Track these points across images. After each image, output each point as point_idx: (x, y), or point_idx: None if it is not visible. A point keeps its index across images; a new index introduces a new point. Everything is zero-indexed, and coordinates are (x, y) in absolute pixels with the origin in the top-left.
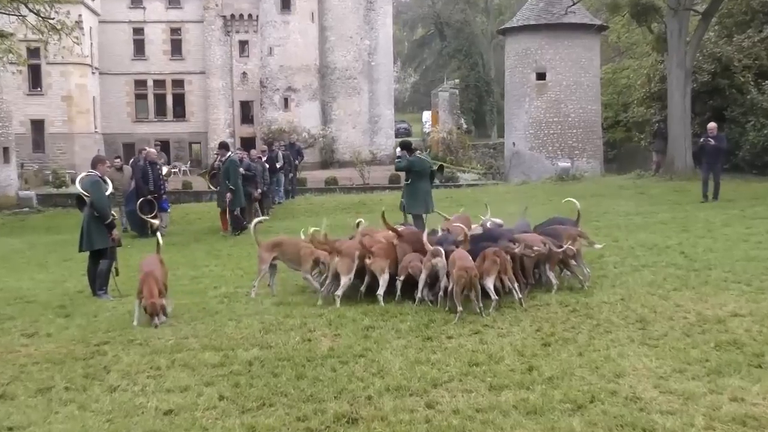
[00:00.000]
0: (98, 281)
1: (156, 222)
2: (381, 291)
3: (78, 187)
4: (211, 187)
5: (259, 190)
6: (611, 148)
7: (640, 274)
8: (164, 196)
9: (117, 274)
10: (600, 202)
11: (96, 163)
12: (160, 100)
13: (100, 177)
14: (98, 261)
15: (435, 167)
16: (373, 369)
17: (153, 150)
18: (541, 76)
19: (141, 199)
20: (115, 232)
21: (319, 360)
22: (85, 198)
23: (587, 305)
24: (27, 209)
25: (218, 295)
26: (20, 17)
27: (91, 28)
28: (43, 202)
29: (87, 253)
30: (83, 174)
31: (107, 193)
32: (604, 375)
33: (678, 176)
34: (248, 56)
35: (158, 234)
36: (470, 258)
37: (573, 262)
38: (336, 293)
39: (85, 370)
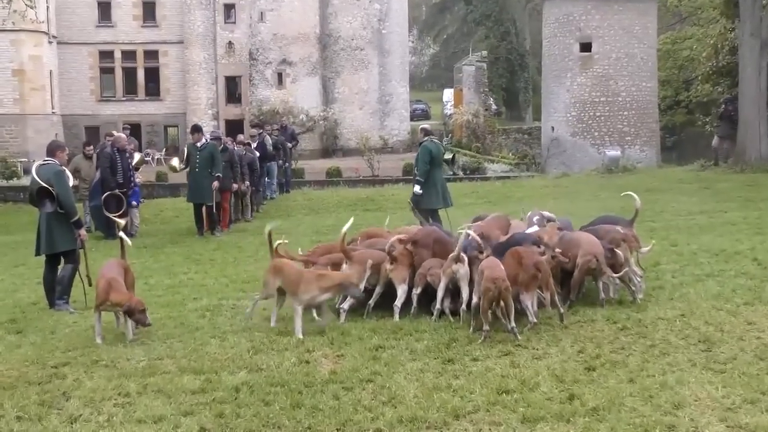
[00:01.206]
0: (59, 289)
1: (122, 222)
2: (399, 303)
3: (36, 178)
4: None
5: (247, 183)
6: (670, 133)
7: (704, 285)
8: (135, 189)
9: (90, 284)
10: (656, 199)
11: (55, 150)
12: (129, 75)
13: (61, 166)
14: (56, 266)
15: (449, 156)
16: (383, 397)
17: (122, 135)
18: (585, 47)
19: (107, 193)
20: (83, 232)
21: (318, 386)
22: (51, 191)
23: (640, 322)
24: None
25: (199, 307)
26: None
27: None
28: None
29: (43, 258)
30: (40, 162)
31: (72, 183)
32: (660, 406)
33: (750, 168)
34: (235, 23)
35: (122, 234)
36: (501, 267)
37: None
38: (341, 306)
39: (41, 397)
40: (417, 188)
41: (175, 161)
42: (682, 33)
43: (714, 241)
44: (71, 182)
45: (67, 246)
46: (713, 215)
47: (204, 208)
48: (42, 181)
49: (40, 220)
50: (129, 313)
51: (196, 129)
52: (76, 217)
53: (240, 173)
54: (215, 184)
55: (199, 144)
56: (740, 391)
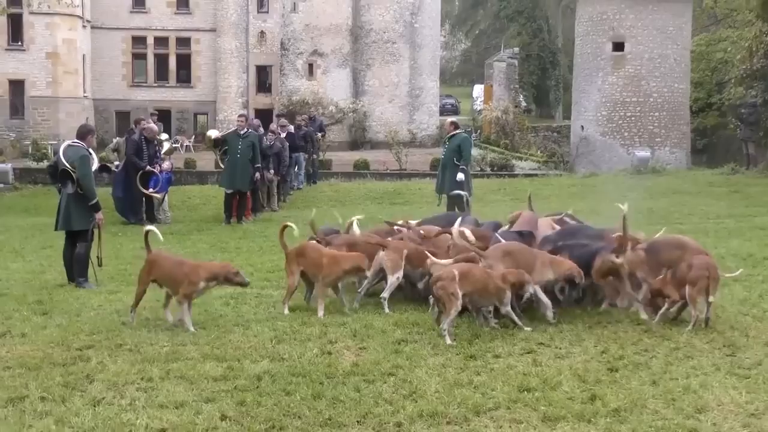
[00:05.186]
0: (77, 268)
1: (158, 196)
2: (386, 293)
3: (62, 160)
4: (221, 164)
5: (272, 171)
6: (701, 136)
7: (731, 290)
8: (165, 176)
9: (100, 265)
10: (685, 201)
11: (86, 134)
12: (161, 61)
13: (87, 150)
14: (75, 244)
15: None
16: (405, 390)
17: (153, 126)
18: (618, 47)
19: (141, 172)
20: (99, 215)
21: (340, 377)
22: (71, 173)
23: (664, 325)
24: (2, 185)
25: (223, 295)
26: None
27: None
28: (21, 178)
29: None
30: (68, 143)
31: (95, 167)
32: (683, 409)
33: None
34: (268, 12)
35: (151, 227)
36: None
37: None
38: (382, 295)
39: (65, 379)
40: (460, 175)
41: (212, 132)
42: (717, 35)
43: (742, 246)
44: (95, 165)
45: (82, 226)
46: (742, 219)
47: (237, 196)
48: (67, 162)
49: (61, 199)
50: (228, 279)
51: (242, 116)
52: (94, 200)
53: (267, 163)
54: (257, 175)
55: (242, 132)
56: (764, 397)
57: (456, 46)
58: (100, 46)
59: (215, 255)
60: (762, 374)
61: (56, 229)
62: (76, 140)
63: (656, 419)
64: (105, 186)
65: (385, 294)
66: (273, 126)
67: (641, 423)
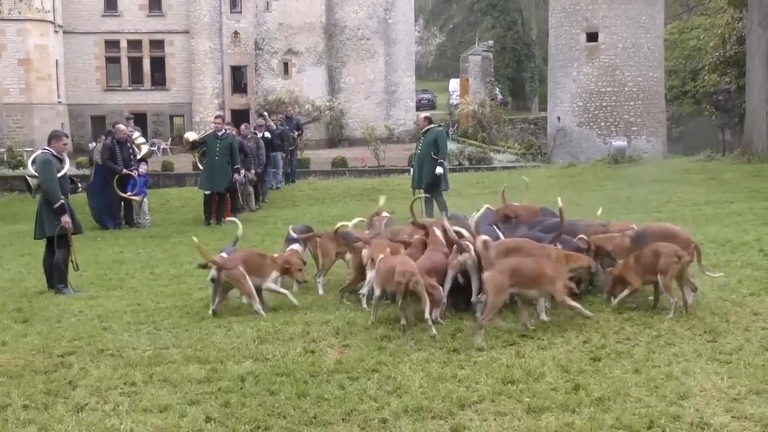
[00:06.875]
0: (55, 274)
1: (137, 199)
2: (364, 290)
3: (30, 168)
4: (200, 166)
5: (253, 172)
6: (676, 124)
7: (710, 276)
8: (141, 179)
9: (76, 269)
10: (662, 189)
11: (50, 139)
12: (135, 64)
13: (54, 155)
14: (54, 251)
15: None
16: (389, 386)
17: (121, 126)
18: (592, 37)
19: (117, 175)
20: (65, 219)
21: (324, 375)
22: (29, 181)
23: (645, 312)
24: None
25: (204, 297)
26: None
27: None
28: None
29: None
30: (38, 152)
31: (63, 172)
32: (665, 396)
33: (757, 158)
34: (241, 12)
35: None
36: (411, 262)
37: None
38: (360, 291)
39: (47, 386)
40: (440, 169)
41: (190, 134)
42: (690, 22)
43: (720, 232)
44: (65, 169)
45: (54, 231)
46: (719, 206)
47: (216, 197)
48: (33, 170)
49: (37, 207)
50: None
51: (219, 117)
52: (57, 203)
53: (247, 162)
54: (236, 177)
55: (219, 133)
56: (746, 382)
57: (431, 41)
58: (72, 50)
59: (195, 257)
60: (743, 359)
61: (35, 238)
62: (45, 147)
63: (639, 407)
64: (81, 193)
65: (364, 290)
66: (243, 128)
67: (624, 411)
